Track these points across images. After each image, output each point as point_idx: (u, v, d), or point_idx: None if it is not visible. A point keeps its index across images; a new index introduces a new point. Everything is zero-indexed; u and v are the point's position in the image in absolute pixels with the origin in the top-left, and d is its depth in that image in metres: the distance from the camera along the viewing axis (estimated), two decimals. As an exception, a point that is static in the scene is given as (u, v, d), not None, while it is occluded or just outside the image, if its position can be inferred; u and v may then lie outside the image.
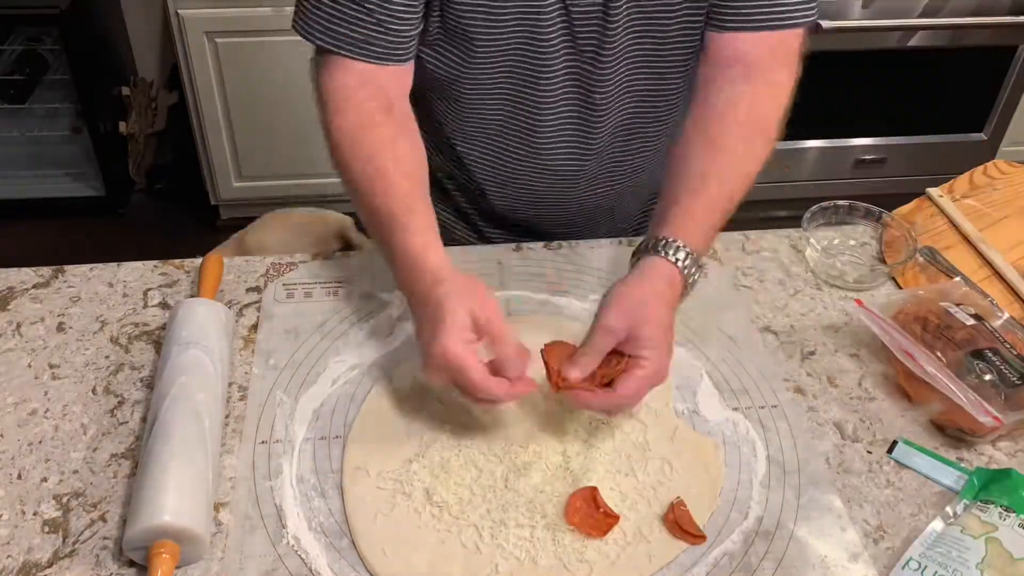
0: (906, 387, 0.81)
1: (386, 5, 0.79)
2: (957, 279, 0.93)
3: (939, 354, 0.77)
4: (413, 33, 0.82)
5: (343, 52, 0.81)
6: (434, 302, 0.71)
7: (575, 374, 0.70)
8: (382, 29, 0.80)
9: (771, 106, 0.84)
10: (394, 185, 0.78)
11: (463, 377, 0.68)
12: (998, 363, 0.77)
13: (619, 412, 0.74)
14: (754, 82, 0.83)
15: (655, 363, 0.70)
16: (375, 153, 0.80)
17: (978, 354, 0.77)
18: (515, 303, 0.90)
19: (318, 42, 0.81)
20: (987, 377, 0.75)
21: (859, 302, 0.83)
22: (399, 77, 0.84)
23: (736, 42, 0.84)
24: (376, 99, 0.81)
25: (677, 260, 0.74)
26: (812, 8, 0.84)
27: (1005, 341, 0.79)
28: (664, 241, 0.75)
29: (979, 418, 0.72)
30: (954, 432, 0.77)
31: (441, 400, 0.77)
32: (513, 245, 0.98)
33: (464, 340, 0.68)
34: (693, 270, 0.75)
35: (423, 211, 0.78)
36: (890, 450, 0.76)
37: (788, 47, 0.84)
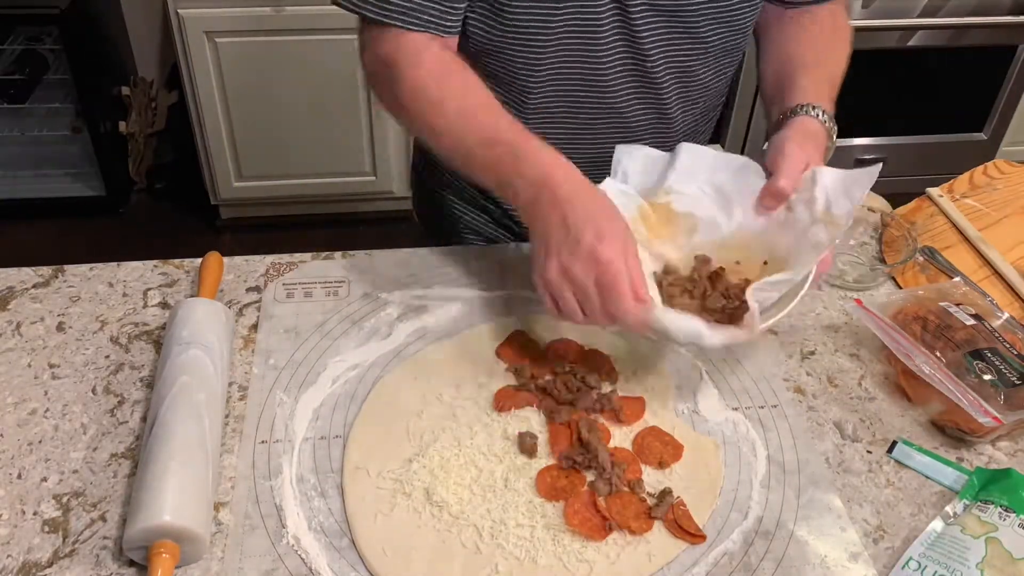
0: (906, 387, 0.81)
1: None
2: (956, 279, 0.93)
3: (938, 354, 0.77)
4: (463, 4, 0.83)
5: (397, 22, 0.81)
6: (601, 197, 0.74)
7: (783, 183, 0.78)
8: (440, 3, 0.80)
9: (845, 21, 0.96)
10: (502, 114, 0.78)
11: (619, 283, 0.69)
12: (997, 363, 0.77)
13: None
14: (830, 6, 0.95)
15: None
16: (470, 89, 0.80)
17: (977, 354, 0.77)
18: (515, 303, 0.90)
19: (370, 14, 0.81)
20: (986, 377, 0.75)
21: (858, 302, 0.83)
22: (453, 47, 0.85)
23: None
24: (447, 54, 0.82)
25: (823, 119, 0.84)
26: None
27: (1005, 341, 0.79)
28: (805, 106, 0.83)
29: (979, 419, 0.72)
30: (954, 432, 0.77)
31: (441, 398, 0.77)
32: (513, 245, 0.98)
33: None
34: (832, 126, 0.85)
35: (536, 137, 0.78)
36: (890, 450, 0.76)
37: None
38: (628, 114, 0.93)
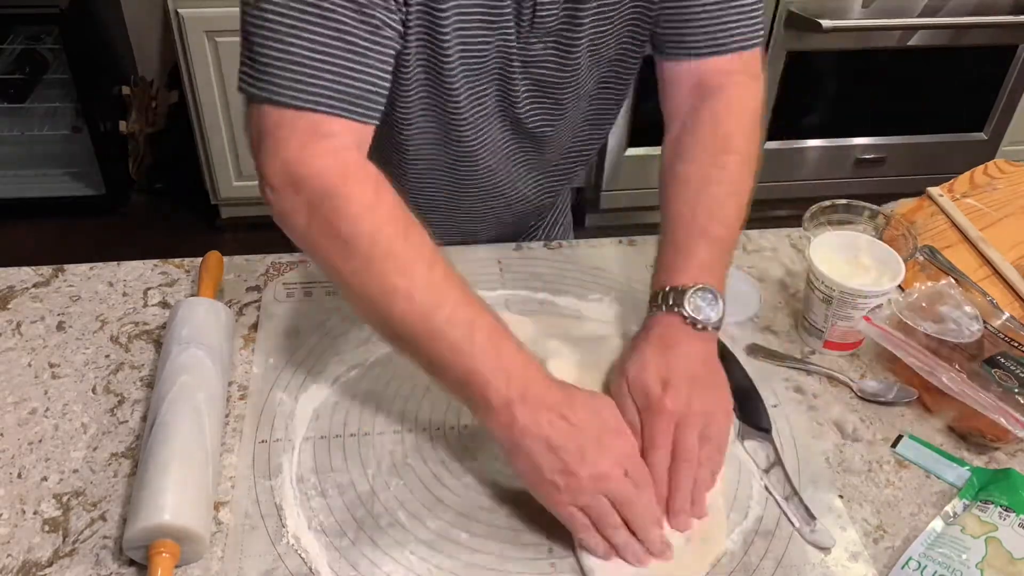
0: (926, 399, 0.80)
1: (379, 45, 0.67)
2: (944, 282, 0.91)
3: (957, 366, 0.77)
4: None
5: (335, 112, 0.66)
6: (590, 401, 0.67)
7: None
8: (370, 74, 0.68)
9: (735, 124, 0.80)
10: (464, 290, 0.67)
11: (643, 496, 0.65)
12: (1013, 367, 0.76)
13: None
14: (713, 102, 0.80)
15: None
16: (435, 250, 0.67)
17: (992, 361, 0.77)
18: (515, 302, 0.90)
19: (296, 102, 0.65)
20: (1007, 384, 0.75)
21: (867, 319, 0.81)
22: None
23: (688, 68, 0.81)
24: (387, 183, 0.68)
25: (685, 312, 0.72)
26: (756, 32, 0.81)
27: (1012, 341, 0.79)
28: (672, 290, 0.73)
29: (1018, 434, 0.72)
30: (978, 439, 0.77)
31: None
32: (513, 245, 0.98)
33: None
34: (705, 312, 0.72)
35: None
36: (894, 444, 0.76)
37: (745, 63, 0.81)
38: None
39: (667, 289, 0.74)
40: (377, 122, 0.70)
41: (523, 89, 0.83)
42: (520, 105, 0.84)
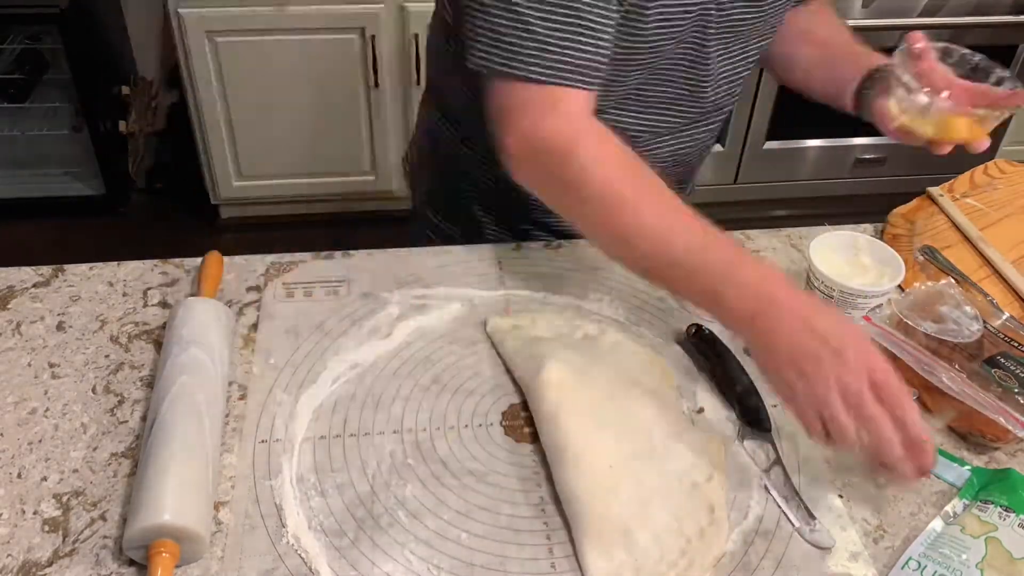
0: (925, 398, 0.80)
1: (603, 18, 0.74)
2: (944, 282, 0.92)
3: (957, 366, 0.77)
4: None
5: (568, 83, 0.73)
6: (840, 314, 0.71)
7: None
8: (598, 46, 0.74)
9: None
10: (698, 217, 0.72)
11: (899, 386, 0.63)
12: (1013, 367, 0.76)
13: None
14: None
15: None
16: (661, 188, 0.73)
17: (992, 361, 0.77)
18: (515, 302, 0.90)
19: (539, 77, 0.73)
20: (1007, 384, 0.75)
21: (867, 319, 0.81)
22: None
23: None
24: (617, 138, 0.75)
25: None
26: None
27: (1012, 340, 0.79)
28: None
29: (1019, 434, 0.72)
30: (978, 439, 0.77)
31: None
32: (513, 245, 0.98)
33: None
34: None
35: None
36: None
37: None
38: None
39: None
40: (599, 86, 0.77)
41: (714, 35, 0.86)
42: (710, 48, 0.87)
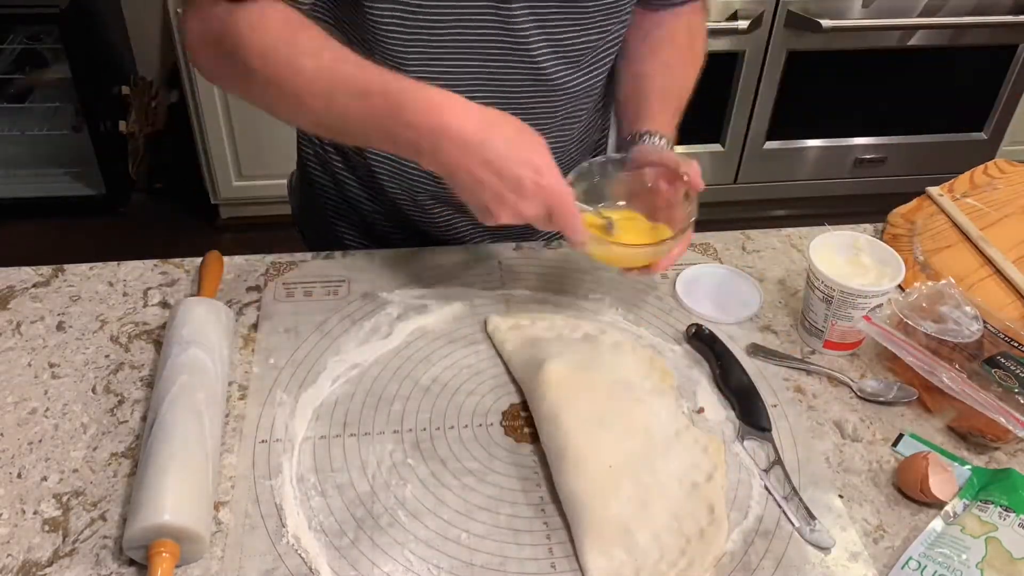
0: (925, 398, 0.80)
1: None
2: (944, 282, 0.92)
3: (957, 366, 0.77)
4: None
5: None
6: (511, 120, 0.71)
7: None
8: None
9: (700, 30, 0.99)
10: (366, 62, 0.72)
11: (570, 206, 0.71)
12: (1013, 367, 0.76)
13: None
14: (682, 19, 0.96)
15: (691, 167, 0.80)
16: (325, 42, 0.72)
17: (992, 361, 0.77)
18: (515, 302, 0.90)
19: None
20: (1008, 384, 0.75)
21: (867, 319, 0.81)
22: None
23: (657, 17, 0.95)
24: (293, 14, 0.74)
25: (661, 146, 0.85)
26: None
27: (1012, 341, 0.79)
28: (652, 134, 0.86)
29: (1019, 434, 0.72)
30: (978, 439, 0.77)
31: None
32: (513, 245, 0.98)
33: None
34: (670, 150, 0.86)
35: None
36: (895, 444, 0.76)
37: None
38: (502, 76, 0.87)
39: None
40: (304, 5, 0.75)
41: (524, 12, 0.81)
42: (522, 30, 0.82)
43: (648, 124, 0.88)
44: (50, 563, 0.65)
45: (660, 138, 0.87)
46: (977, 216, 1.04)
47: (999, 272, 0.96)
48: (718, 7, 2.10)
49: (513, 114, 0.74)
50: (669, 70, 0.94)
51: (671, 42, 0.95)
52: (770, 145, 2.40)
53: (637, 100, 0.92)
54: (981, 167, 1.13)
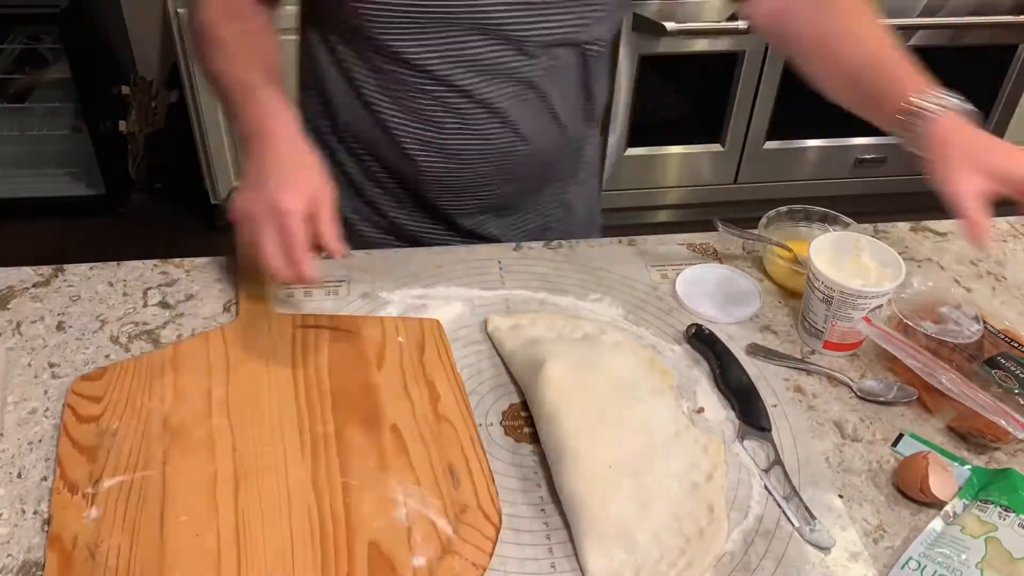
0: (925, 399, 0.80)
1: None
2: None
3: (957, 367, 0.76)
4: None
5: None
6: (306, 153, 0.79)
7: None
8: None
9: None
10: (263, 66, 0.86)
11: (294, 233, 0.73)
12: (1014, 368, 0.76)
13: None
14: None
15: None
16: (249, 35, 0.88)
17: (992, 362, 0.77)
18: (515, 302, 0.90)
19: None
20: (1008, 385, 0.75)
21: (867, 320, 0.81)
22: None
23: None
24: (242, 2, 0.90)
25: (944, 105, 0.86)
26: None
27: (1012, 341, 0.79)
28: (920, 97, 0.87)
29: (1018, 435, 0.72)
30: (978, 439, 0.77)
31: None
32: (513, 245, 0.98)
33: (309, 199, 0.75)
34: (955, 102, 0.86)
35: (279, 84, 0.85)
36: (895, 444, 0.76)
37: None
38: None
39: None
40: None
41: None
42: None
43: (912, 88, 0.88)
44: (50, 563, 0.65)
45: (939, 97, 0.86)
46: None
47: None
48: (718, 7, 2.10)
49: (487, 80, 0.85)
50: (878, 34, 0.96)
51: (849, 14, 0.98)
52: (770, 145, 2.41)
53: (875, 76, 0.93)
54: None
